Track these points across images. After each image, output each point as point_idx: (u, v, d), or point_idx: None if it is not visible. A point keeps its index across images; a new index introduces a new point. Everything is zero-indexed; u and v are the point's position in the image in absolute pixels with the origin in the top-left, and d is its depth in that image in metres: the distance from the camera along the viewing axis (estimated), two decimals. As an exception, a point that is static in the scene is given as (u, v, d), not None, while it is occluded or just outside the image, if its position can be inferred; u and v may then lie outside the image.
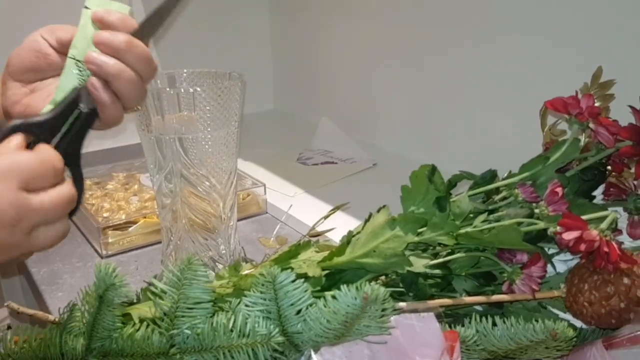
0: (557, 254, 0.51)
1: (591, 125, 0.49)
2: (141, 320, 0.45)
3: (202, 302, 0.42)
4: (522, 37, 0.83)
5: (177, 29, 1.23)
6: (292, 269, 0.49)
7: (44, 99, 0.47)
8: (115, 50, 0.45)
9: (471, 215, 0.50)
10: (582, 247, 0.43)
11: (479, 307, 0.50)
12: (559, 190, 0.47)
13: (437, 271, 0.49)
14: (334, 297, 0.39)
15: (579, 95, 0.50)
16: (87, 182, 0.92)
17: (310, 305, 0.41)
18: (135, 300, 0.49)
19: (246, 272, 0.52)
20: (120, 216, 0.80)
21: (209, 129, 0.59)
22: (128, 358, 0.43)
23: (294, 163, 1.06)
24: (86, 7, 0.47)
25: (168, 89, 0.59)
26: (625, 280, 0.44)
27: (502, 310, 0.50)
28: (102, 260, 0.48)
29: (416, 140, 1.06)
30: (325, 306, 0.40)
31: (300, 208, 0.84)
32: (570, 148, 0.51)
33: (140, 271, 0.72)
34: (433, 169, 0.50)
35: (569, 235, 0.43)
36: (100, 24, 0.46)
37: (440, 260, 0.49)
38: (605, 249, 0.43)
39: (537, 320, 0.42)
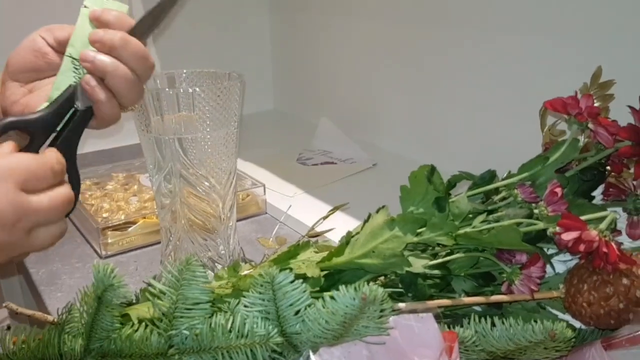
0: (557, 254, 0.51)
1: (590, 125, 0.49)
2: (140, 321, 0.45)
3: (200, 302, 0.42)
4: (522, 37, 0.83)
5: (177, 29, 1.23)
6: (291, 269, 0.49)
7: (43, 98, 0.47)
8: (110, 48, 0.45)
9: (470, 215, 0.50)
10: (581, 247, 0.43)
11: (478, 308, 0.50)
12: (558, 190, 0.47)
13: (436, 271, 0.49)
14: (332, 297, 0.39)
15: (579, 96, 0.50)
16: (87, 183, 0.92)
17: (309, 305, 0.41)
18: (134, 301, 0.49)
19: (245, 272, 0.52)
20: (119, 216, 0.80)
21: (208, 129, 0.59)
22: (126, 358, 0.42)
23: (294, 163, 1.06)
24: (84, 7, 0.47)
25: (167, 89, 0.59)
26: (625, 281, 0.44)
27: (501, 310, 0.50)
28: (100, 261, 0.48)
29: (416, 140, 1.06)
30: (323, 307, 0.40)
31: (299, 208, 0.84)
32: (569, 148, 0.51)
33: (139, 271, 0.72)
34: (432, 170, 0.50)
35: (568, 236, 0.43)
36: (98, 22, 0.47)
37: (440, 260, 0.49)
38: (605, 250, 0.42)
39: (536, 321, 0.42)
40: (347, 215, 0.77)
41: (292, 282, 0.41)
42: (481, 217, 0.49)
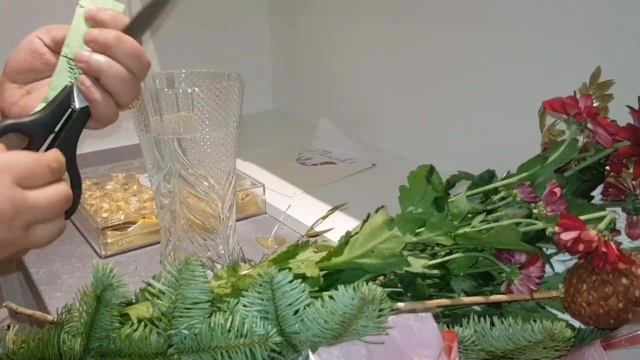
0: (556, 254, 0.51)
1: (589, 125, 0.49)
2: (139, 321, 0.45)
3: (199, 302, 0.42)
4: (522, 37, 0.83)
5: (176, 29, 1.23)
6: (290, 269, 0.49)
7: (41, 99, 0.48)
8: (105, 47, 0.45)
9: (469, 215, 0.50)
10: (581, 247, 0.43)
11: (477, 307, 0.50)
12: (558, 190, 0.47)
13: (436, 271, 0.49)
14: (331, 297, 0.39)
15: (578, 96, 0.50)
16: (87, 183, 0.92)
17: (308, 305, 0.41)
18: (134, 301, 0.49)
19: (244, 272, 0.52)
20: (119, 216, 0.80)
21: (207, 130, 0.59)
22: (126, 358, 0.43)
23: (293, 163, 1.06)
24: (80, 6, 0.47)
25: (166, 89, 0.59)
26: (624, 281, 0.44)
27: (501, 310, 0.50)
28: (99, 261, 0.48)
29: (415, 140, 1.06)
30: (322, 306, 0.40)
31: (299, 208, 0.84)
32: (568, 148, 0.51)
33: (139, 271, 0.72)
34: (431, 169, 0.50)
35: (567, 236, 0.43)
36: (93, 22, 0.47)
37: (439, 260, 0.49)
38: (604, 249, 0.42)
39: (535, 321, 0.42)
40: (346, 215, 0.77)
41: (291, 281, 0.41)
42: (480, 217, 0.49)
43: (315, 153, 1.10)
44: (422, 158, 0.75)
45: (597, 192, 0.53)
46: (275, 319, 0.41)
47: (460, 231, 0.48)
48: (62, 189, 0.42)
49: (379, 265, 0.48)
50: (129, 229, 0.77)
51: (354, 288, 0.38)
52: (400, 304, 0.45)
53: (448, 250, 0.50)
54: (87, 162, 1.04)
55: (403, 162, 0.93)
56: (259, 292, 0.42)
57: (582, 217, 0.44)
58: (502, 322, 0.43)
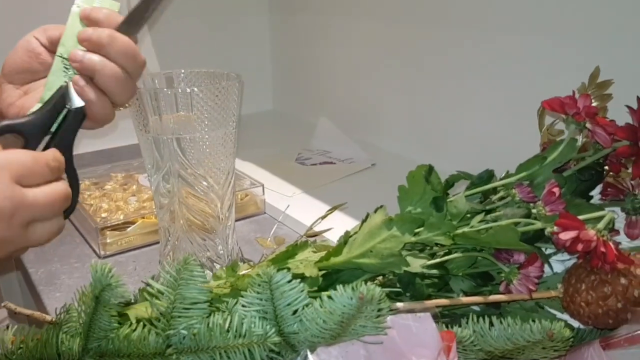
0: (555, 254, 0.51)
1: (588, 125, 0.49)
2: (138, 321, 0.45)
3: (198, 302, 0.42)
4: (521, 37, 0.83)
5: (176, 29, 1.23)
6: (289, 269, 0.49)
7: (38, 99, 0.48)
8: (98, 46, 0.45)
9: (468, 215, 0.50)
10: (579, 247, 0.43)
11: (476, 307, 0.50)
12: (556, 190, 0.47)
13: (434, 271, 0.49)
14: (329, 297, 0.39)
15: (576, 95, 0.50)
16: (86, 183, 0.92)
17: (307, 305, 0.41)
18: (133, 301, 0.49)
19: (243, 272, 0.52)
20: (118, 216, 0.80)
21: (206, 129, 0.59)
22: (124, 358, 0.42)
23: (293, 163, 1.06)
24: (76, 6, 0.47)
25: (166, 89, 0.59)
26: (623, 281, 0.44)
27: (500, 310, 0.50)
28: (98, 261, 0.48)
29: (415, 140, 1.06)
30: (321, 306, 0.40)
31: (298, 208, 0.84)
32: (567, 148, 0.51)
33: (138, 271, 0.72)
34: (430, 169, 0.50)
35: (566, 236, 0.43)
36: (87, 21, 0.47)
37: (438, 260, 0.49)
38: (602, 249, 0.42)
39: (534, 321, 0.42)
40: (345, 215, 0.77)
41: (289, 281, 0.41)
42: (479, 217, 0.49)
43: (315, 153, 1.10)
44: (422, 158, 0.75)
45: (596, 192, 0.53)
46: (273, 319, 0.41)
47: (459, 231, 0.48)
48: (61, 187, 0.43)
49: (378, 265, 0.48)
50: (128, 229, 0.77)
51: (352, 288, 0.38)
52: (399, 304, 0.45)
53: (447, 250, 0.50)
54: (86, 162, 1.04)
55: (402, 162, 0.93)
56: (258, 292, 0.42)
57: (580, 217, 0.44)
58: (501, 322, 0.43)
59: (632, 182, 0.51)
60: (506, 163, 0.54)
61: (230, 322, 0.41)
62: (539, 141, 0.61)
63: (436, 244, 0.49)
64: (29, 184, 0.41)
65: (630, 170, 0.51)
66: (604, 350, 0.44)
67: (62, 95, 0.46)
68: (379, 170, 1.02)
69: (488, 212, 0.50)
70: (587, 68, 0.59)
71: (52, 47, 0.48)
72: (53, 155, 0.43)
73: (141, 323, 0.44)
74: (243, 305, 0.42)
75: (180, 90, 0.57)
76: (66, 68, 0.47)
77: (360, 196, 0.83)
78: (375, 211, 0.51)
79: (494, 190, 0.52)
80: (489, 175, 0.52)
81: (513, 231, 0.46)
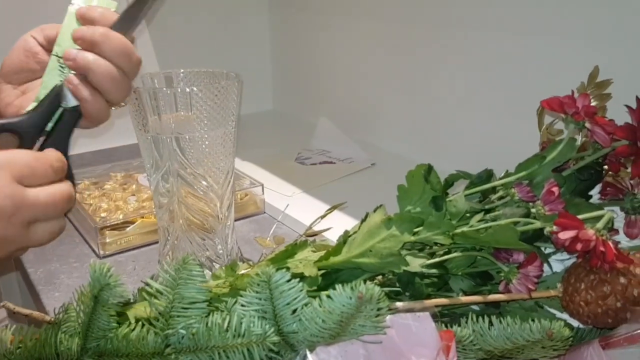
0: (554, 253, 0.51)
1: (587, 124, 0.49)
2: (137, 320, 0.45)
3: (197, 302, 0.42)
4: (521, 37, 0.83)
5: (176, 28, 1.23)
6: (289, 268, 0.49)
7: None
8: (92, 44, 0.45)
9: (467, 214, 0.50)
10: (579, 246, 0.43)
11: (475, 307, 0.50)
12: (556, 189, 0.47)
13: (434, 271, 0.49)
14: (329, 296, 0.39)
15: (576, 95, 0.50)
16: (85, 182, 0.92)
17: (306, 304, 0.41)
18: (132, 300, 0.49)
19: (242, 272, 0.52)
20: (117, 216, 0.80)
21: (206, 129, 0.58)
22: (123, 358, 0.42)
23: (293, 163, 1.06)
24: (72, 5, 0.47)
25: (165, 89, 0.59)
26: (622, 280, 0.44)
27: (499, 309, 0.50)
28: (97, 260, 0.48)
29: (415, 140, 1.06)
30: (320, 306, 0.40)
31: (298, 208, 0.84)
32: (566, 147, 0.50)
33: (137, 271, 0.72)
34: (429, 169, 0.50)
35: (565, 235, 0.43)
36: (83, 20, 0.47)
37: (437, 259, 0.49)
38: (602, 249, 0.42)
39: (533, 320, 0.41)
40: (345, 215, 0.77)
41: (288, 281, 0.41)
42: (478, 216, 0.49)
43: (315, 153, 1.10)
44: (421, 157, 0.75)
45: (595, 192, 0.53)
46: (273, 319, 0.41)
47: (459, 230, 0.48)
48: (64, 188, 0.43)
49: (377, 264, 0.48)
50: (128, 229, 0.77)
51: (351, 287, 0.38)
52: (399, 304, 0.45)
53: (446, 250, 0.50)
54: (85, 161, 1.04)
55: (402, 162, 0.93)
56: (257, 292, 0.42)
57: (580, 217, 0.44)
58: (501, 322, 0.43)
59: (631, 181, 0.51)
60: (505, 162, 0.54)
61: (229, 321, 0.41)
62: (538, 141, 0.61)
63: (435, 244, 0.49)
64: (31, 183, 0.41)
65: (629, 169, 0.51)
66: (603, 349, 0.44)
67: (57, 94, 0.46)
68: (378, 170, 1.02)
69: (487, 211, 0.50)
70: (586, 68, 0.59)
71: (49, 46, 0.48)
72: (56, 155, 0.43)
73: (140, 323, 0.44)
74: (242, 305, 0.42)
75: (179, 90, 0.57)
76: (62, 67, 0.47)
77: (359, 196, 0.83)
78: (375, 211, 0.51)
79: (493, 190, 0.52)
80: (488, 175, 0.52)
81: (512, 230, 0.46)
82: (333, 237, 0.63)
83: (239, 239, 0.76)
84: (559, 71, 0.79)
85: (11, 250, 0.42)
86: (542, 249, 0.50)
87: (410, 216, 0.49)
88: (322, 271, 0.50)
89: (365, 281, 0.38)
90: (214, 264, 0.64)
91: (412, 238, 0.48)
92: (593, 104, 0.55)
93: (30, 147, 0.45)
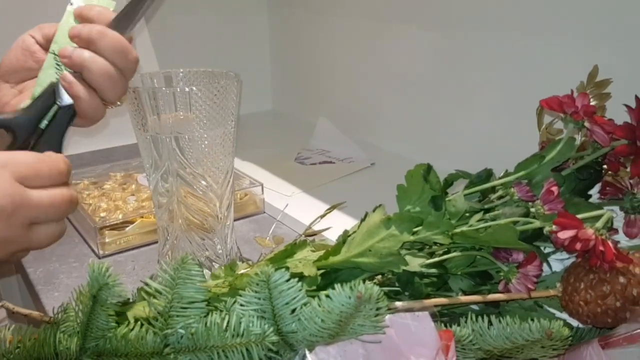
0: (553, 252, 0.51)
1: (587, 124, 0.49)
2: (136, 320, 0.45)
3: (196, 301, 0.42)
4: (521, 37, 0.83)
5: (175, 28, 1.23)
6: (288, 268, 0.49)
7: None
8: (88, 41, 0.45)
9: (467, 214, 0.50)
10: (578, 246, 0.43)
11: (475, 307, 0.50)
12: (555, 189, 0.47)
13: (433, 270, 0.49)
14: (328, 296, 0.39)
15: (575, 94, 0.50)
16: (85, 182, 0.92)
17: (305, 304, 0.41)
18: (131, 300, 0.49)
19: (242, 271, 0.52)
20: (117, 216, 0.80)
21: (205, 129, 0.58)
22: (122, 358, 0.42)
23: (292, 163, 1.06)
24: (70, 4, 0.47)
25: (164, 88, 0.59)
26: (621, 279, 0.44)
27: (499, 309, 0.50)
28: (95, 260, 0.48)
29: (414, 140, 1.06)
30: (319, 305, 0.40)
31: (297, 208, 0.84)
32: (565, 147, 0.50)
33: (137, 271, 0.72)
34: (428, 168, 0.50)
35: (565, 234, 0.43)
36: (80, 18, 0.47)
37: (436, 259, 0.49)
38: (601, 248, 0.42)
39: (532, 320, 0.41)
40: (344, 214, 0.77)
41: (287, 280, 0.41)
42: (478, 216, 0.49)
43: (314, 152, 1.10)
44: (421, 157, 0.75)
45: (594, 191, 0.53)
46: (272, 318, 0.41)
47: (458, 230, 0.48)
48: (67, 192, 0.42)
49: (377, 264, 0.48)
50: (127, 229, 0.77)
51: (350, 287, 0.38)
52: (398, 303, 0.45)
53: (446, 249, 0.50)
54: (85, 161, 1.03)
55: (402, 162, 0.93)
56: (256, 292, 0.41)
57: (579, 216, 0.44)
58: (500, 321, 0.43)
59: (631, 181, 0.51)
60: (505, 162, 0.54)
61: (228, 321, 0.41)
62: (538, 140, 0.61)
63: (435, 243, 0.49)
64: (33, 185, 0.40)
65: (628, 169, 0.51)
66: (602, 349, 0.44)
67: (52, 92, 0.46)
68: (378, 170, 1.02)
69: (487, 211, 0.50)
70: (586, 67, 0.59)
71: (47, 45, 0.48)
72: (63, 158, 0.43)
73: (139, 322, 0.44)
74: (241, 305, 0.42)
75: (178, 90, 0.57)
76: (58, 65, 0.47)
77: (359, 195, 0.83)
78: (374, 210, 0.51)
79: (493, 189, 0.52)
80: (487, 174, 0.52)
81: (512, 230, 0.46)
82: (332, 236, 0.63)
83: (239, 239, 0.76)
84: (558, 71, 0.79)
85: (12, 251, 0.41)
86: (542, 248, 0.50)
87: (409, 216, 0.49)
88: (322, 271, 0.50)
89: (364, 281, 0.38)
90: (213, 263, 0.64)
91: (412, 238, 0.48)
92: (592, 103, 0.55)
93: (24, 144, 0.45)
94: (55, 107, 0.46)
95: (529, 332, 0.41)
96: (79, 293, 0.43)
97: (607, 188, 0.52)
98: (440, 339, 0.42)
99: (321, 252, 0.51)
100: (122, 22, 0.47)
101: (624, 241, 0.50)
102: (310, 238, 0.60)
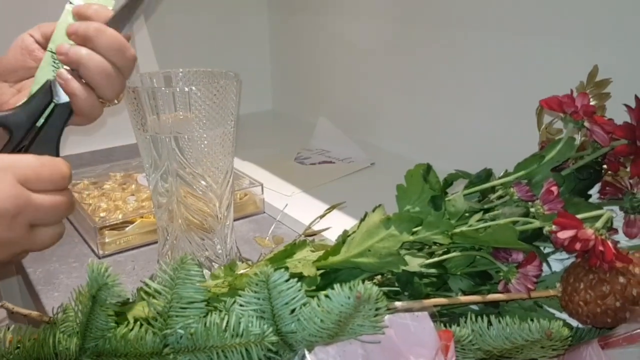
0: (553, 253, 0.51)
1: (586, 124, 0.49)
2: (135, 320, 0.45)
3: (195, 301, 0.42)
4: (520, 37, 0.83)
5: (175, 28, 1.23)
6: (287, 268, 0.49)
7: None
8: (85, 38, 0.45)
9: (466, 214, 0.50)
10: (578, 246, 0.43)
11: (474, 307, 0.50)
12: (555, 189, 0.47)
13: (433, 270, 0.49)
14: (327, 296, 0.39)
15: (574, 94, 0.50)
16: (84, 182, 0.92)
17: (304, 304, 0.41)
18: (131, 300, 0.49)
19: (241, 271, 0.52)
20: (117, 216, 0.80)
21: (204, 128, 0.58)
22: (121, 358, 0.42)
23: (292, 163, 1.06)
24: (69, 2, 0.47)
25: (164, 88, 0.59)
26: (621, 279, 0.44)
27: (498, 309, 0.50)
28: (95, 260, 0.48)
29: (414, 140, 1.06)
30: (318, 305, 0.40)
31: (297, 207, 0.84)
32: (565, 147, 0.50)
33: (137, 271, 0.72)
34: (428, 168, 0.50)
35: (564, 234, 0.43)
36: (78, 16, 0.47)
37: (436, 259, 0.49)
38: (601, 248, 0.42)
39: (532, 320, 0.41)
40: (344, 214, 0.77)
41: (286, 280, 0.41)
42: (477, 216, 0.49)
43: (314, 152, 1.10)
44: (421, 157, 0.75)
45: (594, 191, 0.53)
46: (271, 319, 0.41)
47: (458, 230, 0.48)
48: (67, 195, 0.43)
49: (376, 264, 0.48)
50: (127, 229, 0.77)
51: (349, 287, 0.38)
52: (397, 303, 0.45)
53: (445, 249, 0.50)
54: (84, 161, 1.03)
55: (401, 162, 0.93)
56: (255, 292, 0.41)
57: (579, 216, 0.44)
58: (500, 322, 0.43)
59: (631, 180, 0.51)
60: (505, 162, 0.54)
61: (228, 321, 0.41)
62: (538, 140, 0.61)
63: (434, 243, 0.49)
64: (36, 188, 0.41)
65: (628, 169, 0.51)
66: (602, 349, 0.44)
67: (48, 90, 0.46)
68: (378, 170, 1.02)
69: (486, 211, 0.50)
70: (585, 67, 0.59)
71: (46, 44, 0.48)
72: (64, 162, 0.43)
73: (138, 323, 0.44)
74: (240, 305, 0.42)
75: (178, 89, 0.57)
76: (55, 63, 0.47)
77: (359, 195, 0.83)
78: (374, 210, 0.51)
79: (493, 189, 0.52)
80: (487, 174, 0.52)
81: (511, 230, 0.46)
82: (332, 236, 0.63)
83: (238, 239, 0.76)
84: (558, 71, 0.79)
85: (14, 253, 0.42)
86: (541, 248, 0.49)
87: (409, 216, 0.48)
88: (321, 271, 0.50)
89: (363, 281, 0.38)
90: (213, 263, 0.64)
91: (411, 238, 0.48)
92: (592, 103, 0.55)
93: (20, 142, 0.45)
94: (52, 105, 0.46)
95: (528, 332, 0.41)
96: (78, 293, 0.43)
97: (607, 188, 0.52)
98: (439, 339, 0.42)
99: (321, 252, 0.51)
100: (120, 20, 0.47)
101: (623, 241, 0.50)
102: (310, 238, 0.60)
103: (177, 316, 0.42)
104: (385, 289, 0.48)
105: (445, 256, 0.49)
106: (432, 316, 0.43)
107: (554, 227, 0.44)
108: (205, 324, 0.41)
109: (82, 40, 0.45)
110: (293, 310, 0.41)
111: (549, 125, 0.61)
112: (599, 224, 0.44)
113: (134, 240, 0.77)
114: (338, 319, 0.39)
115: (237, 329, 0.41)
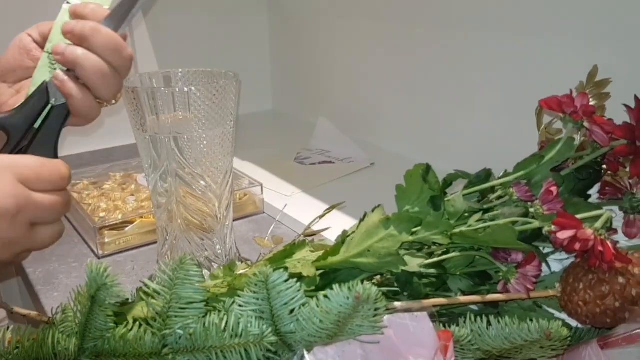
0: (552, 253, 0.51)
1: (586, 124, 0.49)
2: (134, 321, 0.45)
3: (194, 302, 0.42)
4: (520, 37, 0.83)
5: (175, 28, 1.23)
6: (287, 268, 0.49)
7: None
8: (81, 38, 0.45)
9: (466, 214, 0.50)
10: (577, 246, 0.43)
11: (474, 307, 0.50)
12: (554, 189, 0.47)
13: (432, 270, 0.49)
14: (326, 296, 0.39)
15: (574, 94, 0.50)
16: (84, 182, 0.92)
17: (303, 304, 0.41)
18: (130, 301, 0.49)
19: (241, 271, 0.51)
20: (116, 216, 0.80)
21: (204, 129, 0.58)
22: (121, 358, 0.42)
23: (292, 163, 1.06)
24: (67, 2, 0.47)
25: (163, 89, 0.59)
26: (620, 280, 0.44)
27: (498, 309, 0.50)
28: (94, 260, 0.48)
29: (414, 140, 1.06)
30: (317, 306, 0.40)
31: (297, 208, 0.84)
32: (565, 147, 0.50)
33: (136, 271, 0.72)
34: (427, 168, 0.50)
35: (564, 235, 0.43)
36: (75, 16, 0.47)
37: (435, 259, 0.49)
38: (600, 248, 0.42)
39: (531, 320, 0.41)
40: (344, 214, 0.77)
41: (286, 281, 0.41)
42: (477, 216, 0.49)
43: (314, 152, 1.10)
44: (421, 157, 0.75)
45: (594, 191, 0.53)
46: (270, 319, 0.41)
47: (457, 230, 0.48)
48: (64, 196, 0.43)
49: (376, 264, 0.48)
50: (127, 229, 0.77)
51: (349, 287, 0.38)
52: (397, 303, 0.45)
53: (445, 250, 0.50)
54: (84, 161, 1.03)
55: (401, 162, 0.93)
56: (254, 292, 0.41)
57: (578, 216, 0.44)
58: (499, 322, 0.43)
59: (630, 181, 0.51)
60: (504, 162, 0.54)
61: (227, 321, 0.41)
62: (537, 140, 0.61)
63: (434, 243, 0.49)
64: (36, 188, 0.41)
65: (628, 169, 0.51)
66: (602, 349, 0.44)
67: (45, 91, 0.46)
68: (377, 170, 1.02)
69: (486, 211, 0.50)
70: (585, 68, 0.58)
71: (44, 42, 0.48)
72: (63, 163, 0.43)
73: (137, 323, 0.44)
74: (239, 305, 0.42)
75: (177, 90, 0.57)
76: (52, 63, 0.47)
77: (358, 195, 0.83)
78: (373, 210, 0.51)
79: (492, 190, 0.52)
80: (486, 174, 0.52)
81: (511, 230, 0.46)
82: (332, 237, 0.63)
83: (238, 239, 0.76)
84: (558, 71, 0.79)
85: (15, 252, 0.42)
86: (541, 248, 0.49)
87: (408, 216, 0.48)
88: (321, 271, 0.50)
89: (362, 281, 0.38)
90: (212, 264, 0.64)
91: (411, 238, 0.48)
92: (592, 103, 0.55)
93: (18, 144, 0.45)
94: (48, 107, 0.46)
95: (527, 333, 0.41)
96: (77, 293, 0.43)
97: (607, 188, 0.52)
98: (439, 340, 0.42)
99: (320, 253, 0.51)
100: (116, 19, 0.47)
101: (623, 241, 0.50)
102: (310, 238, 0.60)
103: (176, 316, 0.42)
104: (385, 289, 0.48)
105: (444, 256, 0.49)
106: (432, 316, 0.43)
107: (553, 228, 0.44)
108: (204, 324, 0.41)
109: (78, 39, 0.45)
110: (292, 311, 0.41)
111: (549, 126, 0.61)
112: (598, 224, 0.44)
113: (134, 241, 0.77)
114: (337, 319, 0.39)
115: (236, 329, 0.41)
